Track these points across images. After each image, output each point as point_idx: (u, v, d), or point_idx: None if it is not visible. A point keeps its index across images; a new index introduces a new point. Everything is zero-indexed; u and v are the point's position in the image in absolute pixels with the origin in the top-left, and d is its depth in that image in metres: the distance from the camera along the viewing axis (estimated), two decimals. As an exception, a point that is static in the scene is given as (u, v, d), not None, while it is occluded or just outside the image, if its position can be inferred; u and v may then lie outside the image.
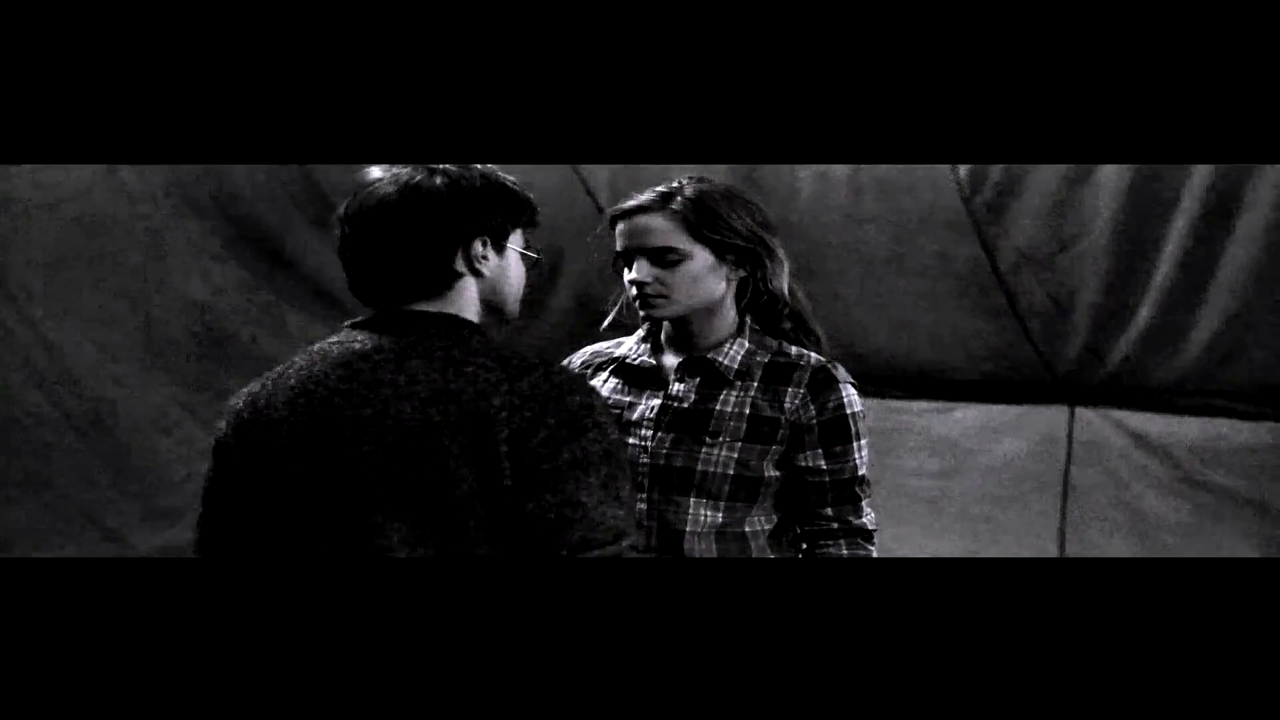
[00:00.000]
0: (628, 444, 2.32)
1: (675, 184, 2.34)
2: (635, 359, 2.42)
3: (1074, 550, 4.20)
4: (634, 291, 2.33)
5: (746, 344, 2.38)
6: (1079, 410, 4.25)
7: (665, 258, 2.30)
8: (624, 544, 1.77)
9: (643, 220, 2.32)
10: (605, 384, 2.40)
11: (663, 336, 2.43)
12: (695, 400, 2.34)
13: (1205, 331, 3.85)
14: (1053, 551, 4.22)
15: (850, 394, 2.36)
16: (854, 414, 2.35)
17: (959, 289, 4.14)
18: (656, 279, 2.31)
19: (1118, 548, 4.11)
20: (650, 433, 2.33)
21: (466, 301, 1.91)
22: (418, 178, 1.89)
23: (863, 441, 2.36)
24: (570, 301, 4.83)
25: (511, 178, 1.96)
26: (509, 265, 1.95)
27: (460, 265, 1.90)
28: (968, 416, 4.43)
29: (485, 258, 1.91)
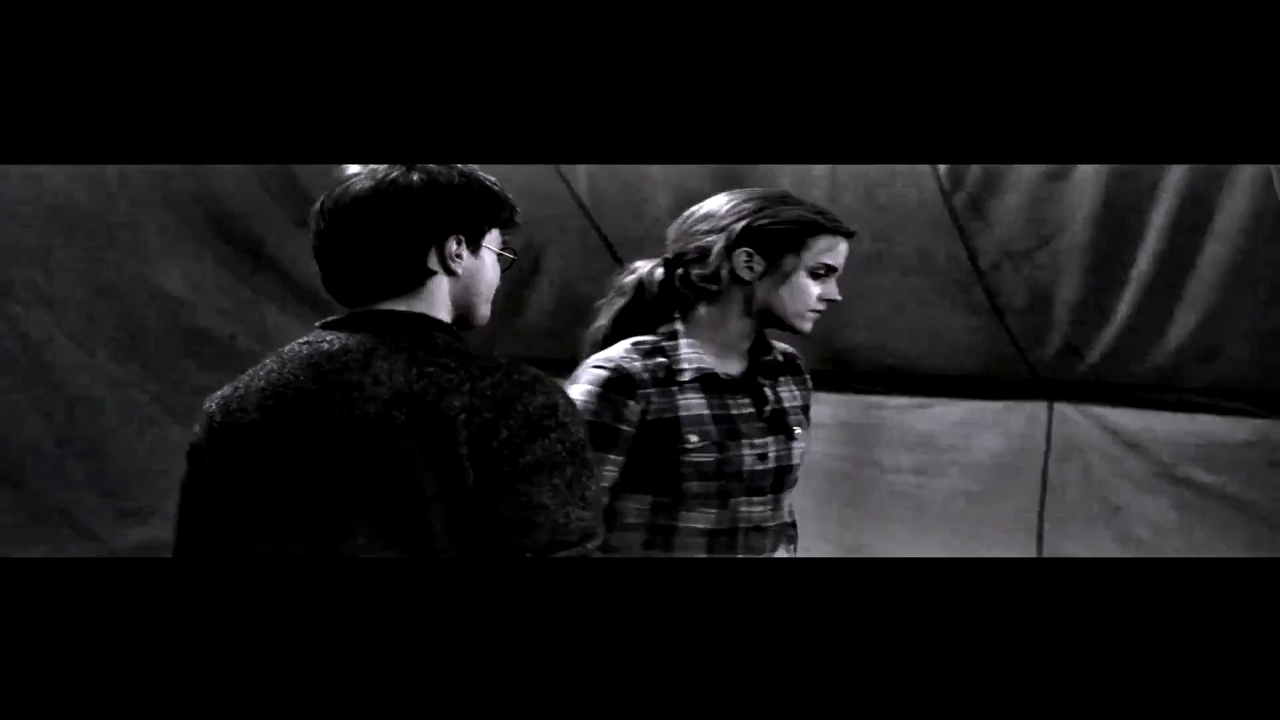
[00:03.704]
0: (742, 453, 2.32)
1: None
2: (718, 370, 2.36)
3: (1052, 546, 4.22)
4: (817, 307, 2.36)
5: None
6: (1058, 406, 4.26)
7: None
8: (590, 545, 1.76)
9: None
10: (695, 399, 2.32)
11: (715, 344, 2.38)
12: (773, 400, 2.41)
13: (1183, 328, 3.86)
14: (1031, 547, 4.23)
15: None
16: None
17: (939, 286, 4.15)
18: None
19: (1096, 543, 4.13)
20: (766, 439, 2.36)
21: (438, 300, 1.90)
22: (394, 174, 1.88)
23: None
24: (550, 299, 4.83)
25: (491, 178, 1.95)
26: (484, 265, 1.94)
27: (434, 263, 1.89)
28: (947, 413, 4.44)
29: (459, 256, 1.90)
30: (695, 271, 2.36)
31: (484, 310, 1.96)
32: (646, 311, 2.40)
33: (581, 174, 4.48)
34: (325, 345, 1.86)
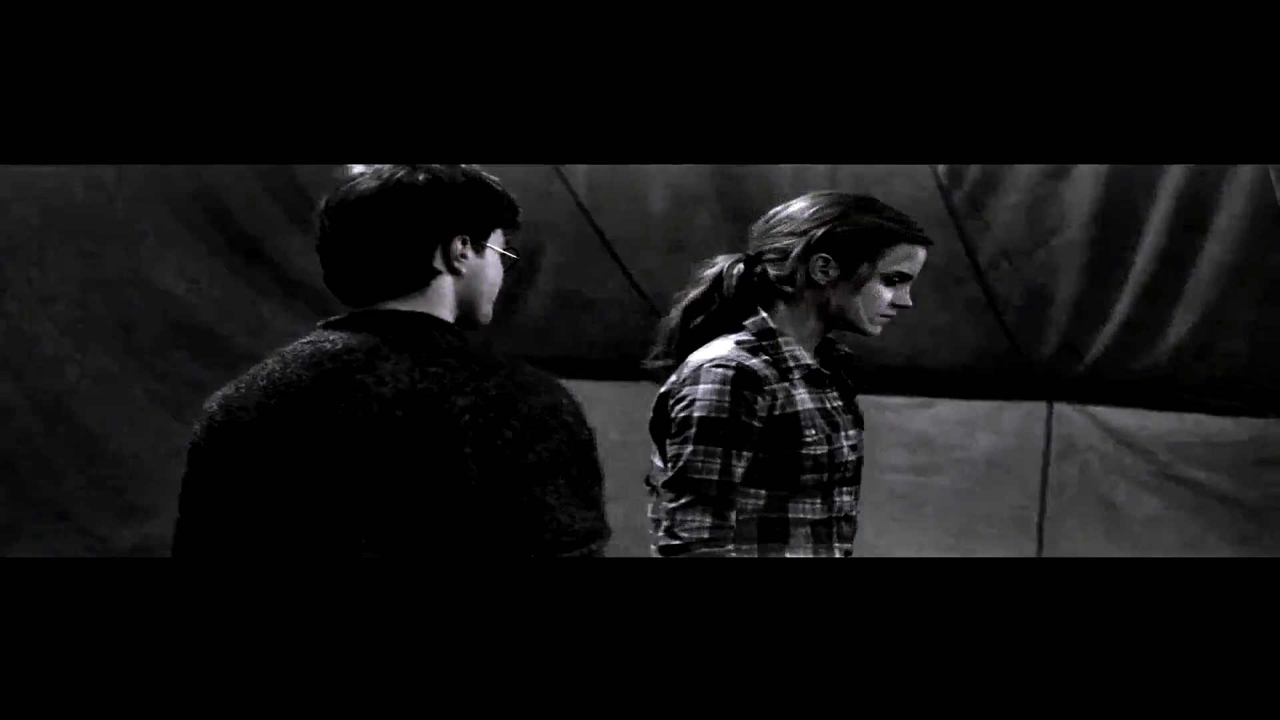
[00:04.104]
0: (842, 445, 2.37)
1: None
2: (813, 365, 2.41)
3: (1051, 545, 4.22)
4: (888, 312, 2.40)
5: None
6: (1056, 405, 4.26)
7: None
8: (595, 546, 1.76)
9: None
10: (804, 393, 2.36)
11: (795, 342, 2.40)
12: (847, 394, 2.47)
13: (1181, 327, 3.87)
14: (1030, 546, 4.23)
15: None
16: None
17: (937, 284, 4.14)
18: None
19: (1094, 542, 4.13)
20: (852, 430, 2.43)
21: (442, 300, 1.90)
22: (400, 174, 1.87)
23: None
24: (548, 297, 4.82)
25: (495, 178, 1.95)
26: (487, 265, 1.94)
27: (438, 263, 1.88)
28: (945, 412, 4.44)
29: (464, 256, 1.90)
30: (773, 271, 2.39)
31: (487, 310, 1.96)
32: (720, 306, 2.43)
33: (580, 174, 4.47)
34: (328, 345, 1.85)
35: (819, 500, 2.35)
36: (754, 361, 2.32)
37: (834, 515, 2.38)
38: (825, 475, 2.34)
